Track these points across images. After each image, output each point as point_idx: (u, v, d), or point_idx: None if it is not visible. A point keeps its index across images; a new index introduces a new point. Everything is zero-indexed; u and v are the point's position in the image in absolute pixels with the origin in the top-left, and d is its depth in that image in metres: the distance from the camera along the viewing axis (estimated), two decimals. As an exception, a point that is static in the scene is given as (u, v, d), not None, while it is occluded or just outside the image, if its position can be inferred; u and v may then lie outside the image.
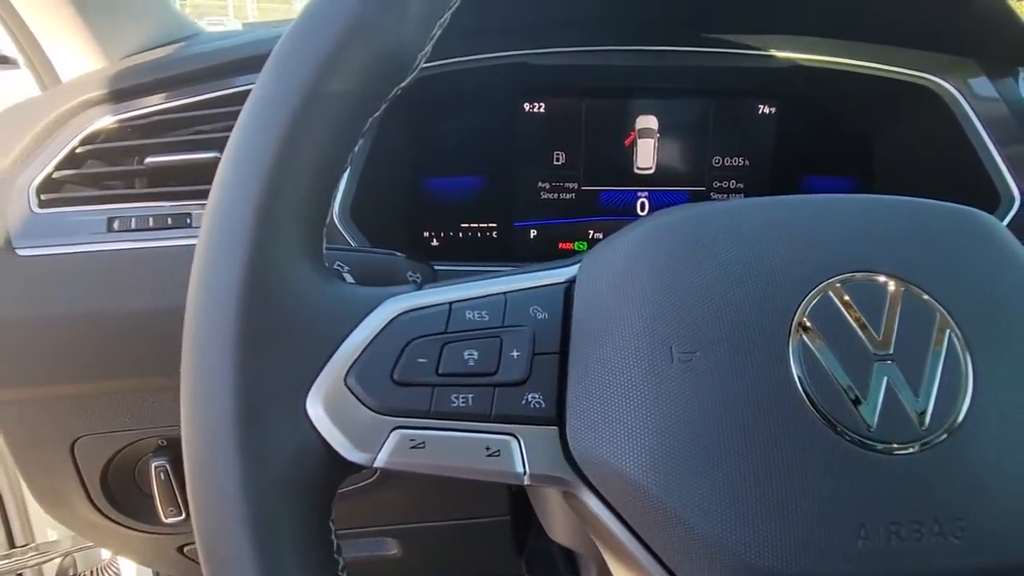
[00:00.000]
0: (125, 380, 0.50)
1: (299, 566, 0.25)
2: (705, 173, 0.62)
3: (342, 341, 0.27)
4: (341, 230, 0.49)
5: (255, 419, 0.24)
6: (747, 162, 0.62)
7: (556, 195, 0.63)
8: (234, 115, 0.51)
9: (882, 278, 0.26)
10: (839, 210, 0.28)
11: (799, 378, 0.24)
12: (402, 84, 0.30)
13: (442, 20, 0.30)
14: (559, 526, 0.45)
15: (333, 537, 0.27)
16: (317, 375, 0.26)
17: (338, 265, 0.36)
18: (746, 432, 0.24)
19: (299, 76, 0.26)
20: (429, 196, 0.63)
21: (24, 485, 0.91)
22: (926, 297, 0.26)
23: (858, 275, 0.26)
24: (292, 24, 0.27)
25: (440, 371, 0.27)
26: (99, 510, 0.55)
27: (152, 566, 0.68)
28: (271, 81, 0.27)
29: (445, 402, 0.26)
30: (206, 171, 0.49)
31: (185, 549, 0.63)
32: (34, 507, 0.94)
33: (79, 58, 0.57)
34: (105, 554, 1.02)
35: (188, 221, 0.49)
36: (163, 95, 0.52)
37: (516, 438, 0.26)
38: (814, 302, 0.25)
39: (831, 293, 0.26)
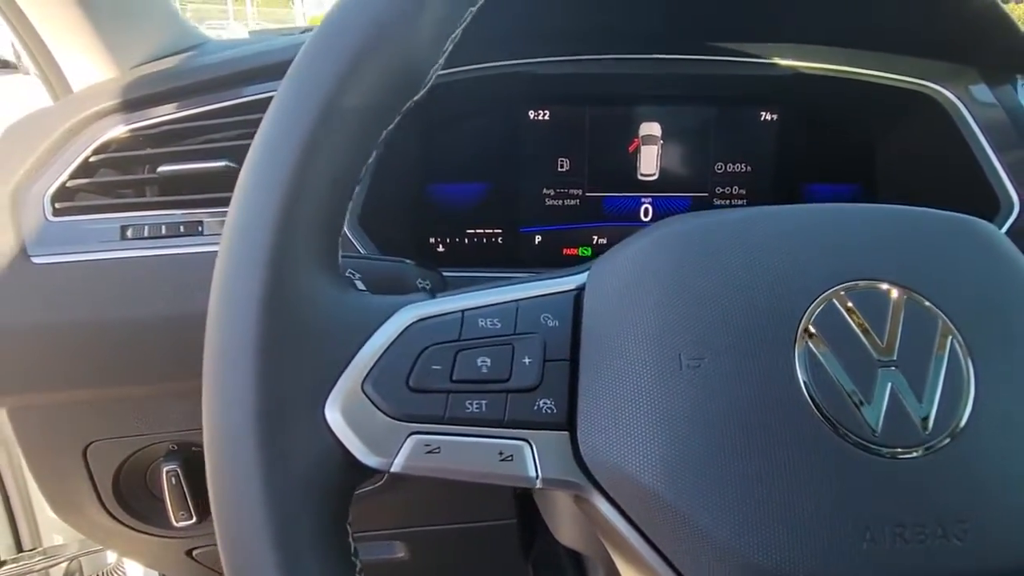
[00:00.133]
0: (138, 386, 0.50)
1: (319, 568, 0.25)
2: (708, 179, 0.63)
3: (359, 349, 0.27)
4: (351, 238, 0.50)
5: (276, 424, 0.25)
6: (749, 168, 0.63)
7: (561, 201, 0.63)
8: (244, 124, 0.52)
9: (885, 286, 0.27)
10: (842, 219, 0.29)
11: (805, 384, 0.25)
12: (416, 97, 0.30)
13: (454, 35, 0.31)
14: (566, 529, 0.45)
15: (350, 540, 0.28)
16: (335, 382, 0.27)
17: (349, 273, 0.36)
18: (753, 436, 0.25)
19: (318, 91, 0.27)
20: (435, 203, 0.63)
21: (31, 490, 0.92)
22: (928, 304, 0.26)
23: (861, 283, 0.27)
24: (310, 39, 0.28)
25: (454, 378, 0.27)
26: (110, 514, 0.56)
27: (161, 569, 0.68)
28: (290, 95, 0.28)
29: (459, 408, 0.27)
30: (217, 180, 0.50)
31: (194, 553, 0.63)
32: (41, 511, 0.94)
33: (90, 67, 0.57)
34: (111, 558, 1.03)
35: (200, 229, 0.49)
36: (174, 105, 0.53)
37: (528, 443, 0.27)
38: (819, 309, 0.26)
39: (835, 301, 0.26)
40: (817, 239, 0.28)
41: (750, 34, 0.58)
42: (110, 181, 0.51)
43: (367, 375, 0.27)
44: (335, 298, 0.28)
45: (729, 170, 0.63)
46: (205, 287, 0.48)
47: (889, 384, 0.25)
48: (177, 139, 0.52)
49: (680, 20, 0.58)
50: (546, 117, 0.62)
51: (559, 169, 0.63)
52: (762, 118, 0.62)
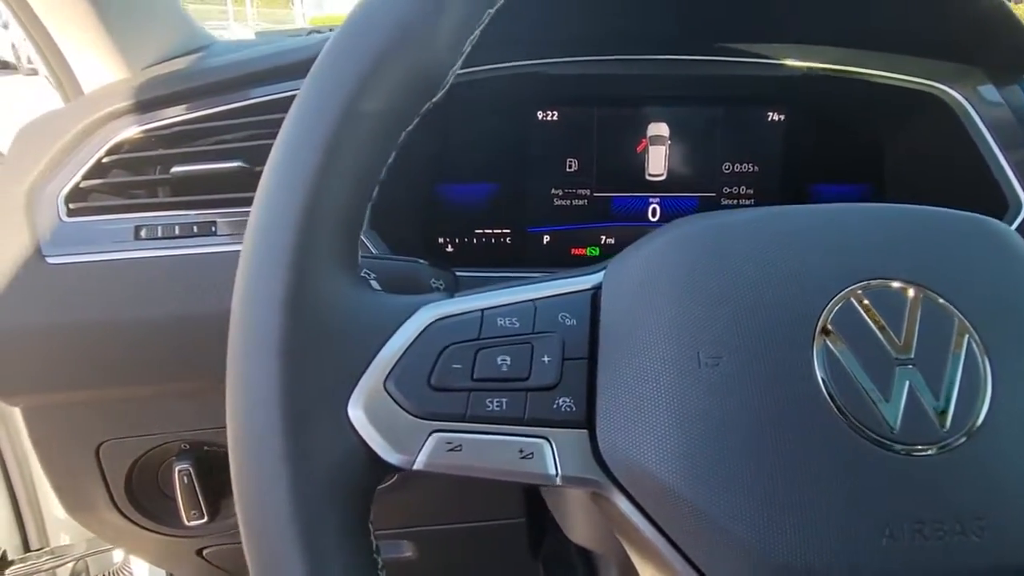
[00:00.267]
0: (151, 385, 0.51)
1: (343, 565, 0.26)
2: (716, 179, 0.63)
3: (380, 348, 0.28)
4: (364, 238, 0.50)
5: (301, 423, 0.25)
6: (757, 169, 0.63)
7: (569, 201, 0.64)
8: (257, 125, 0.53)
9: (901, 284, 0.27)
10: (856, 218, 0.29)
11: (823, 381, 0.25)
12: (434, 99, 0.31)
13: (472, 37, 0.31)
14: (579, 527, 0.45)
15: (372, 538, 0.28)
16: (358, 381, 0.27)
17: (365, 273, 0.37)
18: (773, 433, 0.25)
19: (340, 93, 0.27)
20: (444, 203, 0.64)
21: (39, 489, 0.92)
22: (944, 303, 0.27)
23: (877, 282, 0.27)
24: (331, 41, 0.28)
25: (475, 376, 0.28)
26: (122, 513, 0.56)
27: (171, 569, 0.68)
28: (313, 96, 0.28)
29: (480, 406, 0.27)
30: (231, 180, 0.50)
31: (204, 552, 0.63)
32: (48, 511, 0.95)
33: (101, 69, 0.58)
34: (117, 557, 1.03)
35: (213, 229, 0.50)
36: (187, 105, 0.53)
37: (548, 441, 0.27)
38: (836, 308, 0.26)
39: (852, 299, 0.27)
40: (832, 238, 0.28)
41: (758, 35, 0.59)
42: (123, 182, 0.51)
43: (389, 374, 0.27)
44: (356, 298, 0.28)
45: (737, 170, 0.63)
46: (219, 287, 0.49)
47: (907, 382, 0.25)
48: (190, 140, 0.53)
49: (689, 21, 0.59)
50: (555, 118, 0.62)
51: (567, 169, 0.63)
52: (769, 118, 0.62)
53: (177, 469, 0.53)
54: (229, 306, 0.50)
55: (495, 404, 0.27)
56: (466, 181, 0.64)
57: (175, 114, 0.53)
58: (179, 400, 0.52)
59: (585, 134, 0.62)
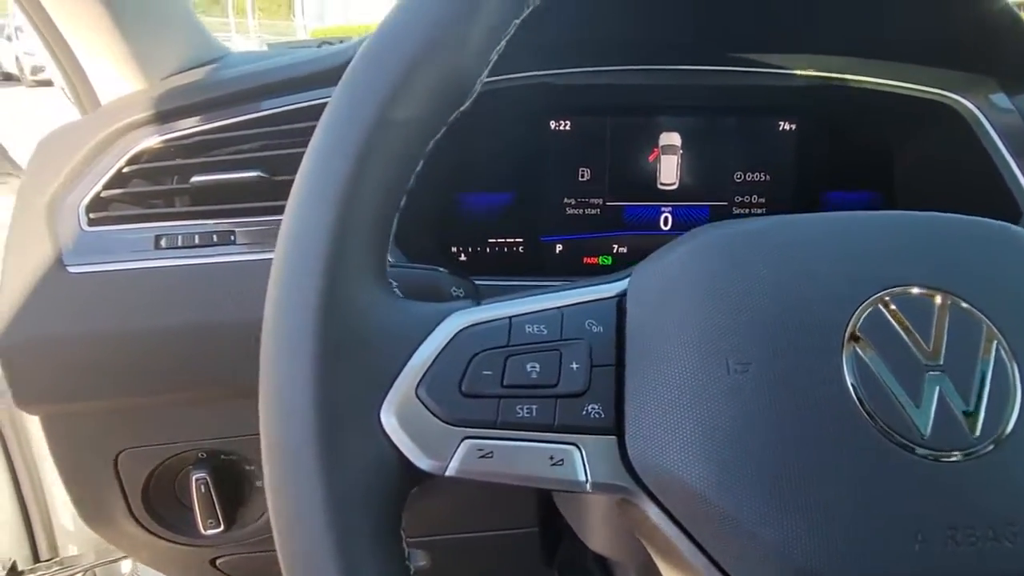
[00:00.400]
0: (172, 393, 0.51)
1: (376, 571, 0.26)
2: (727, 188, 0.64)
3: (411, 355, 0.28)
4: None
5: (335, 430, 0.26)
6: (768, 178, 0.63)
7: (581, 210, 0.64)
8: (276, 135, 0.53)
9: (928, 291, 0.27)
10: (881, 225, 0.30)
11: (853, 387, 0.25)
12: (462, 107, 0.31)
13: (499, 47, 0.31)
14: (598, 535, 0.45)
15: (404, 545, 0.28)
16: (390, 387, 0.27)
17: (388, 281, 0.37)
18: (803, 440, 0.25)
19: (370, 103, 0.28)
20: (458, 212, 0.64)
21: (49, 499, 0.92)
22: (972, 309, 0.27)
23: (905, 288, 0.27)
24: (362, 50, 0.29)
25: (505, 383, 0.28)
26: (139, 522, 0.56)
27: (184, 578, 0.68)
28: (342, 109, 0.28)
29: (511, 413, 0.27)
30: (249, 190, 0.51)
31: (218, 562, 0.63)
32: (57, 522, 0.94)
33: (118, 79, 0.58)
34: (126, 567, 1.03)
35: (232, 238, 0.50)
36: (205, 116, 0.54)
37: (578, 447, 0.28)
38: (865, 314, 0.27)
39: (880, 306, 0.27)
40: (858, 245, 0.29)
41: (769, 45, 0.59)
42: (143, 191, 0.52)
43: (420, 381, 0.27)
44: (386, 305, 0.29)
45: (748, 179, 0.63)
46: (238, 296, 0.49)
47: (937, 388, 0.25)
48: (208, 150, 0.53)
49: (701, 32, 0.59)
50: (567, 127, 0.63)
51: (580, 179, 0.64)
52: (781, 128, 0.62)
53: (194, 478, 0.53)
54: (249, 315, 0.50)
55: (525, 411, 0.28)
56: (479, 190, 0.64)
57: (193, 124, 0.53)
58: (198, 409, 0.52)
59: (598, 144, 0.63)
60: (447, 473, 0.27)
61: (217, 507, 0.54)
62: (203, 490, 0.53)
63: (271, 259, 0.50)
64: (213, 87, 0.55)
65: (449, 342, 0.28)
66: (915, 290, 0.27)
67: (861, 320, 0.26)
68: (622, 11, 0.56)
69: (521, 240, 0.65)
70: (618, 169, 0.63)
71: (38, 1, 0.52)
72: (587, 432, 0.28)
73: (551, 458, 0.27)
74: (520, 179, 0.63)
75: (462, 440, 0.27)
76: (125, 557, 0.95)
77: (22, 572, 0.86)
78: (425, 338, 0.28)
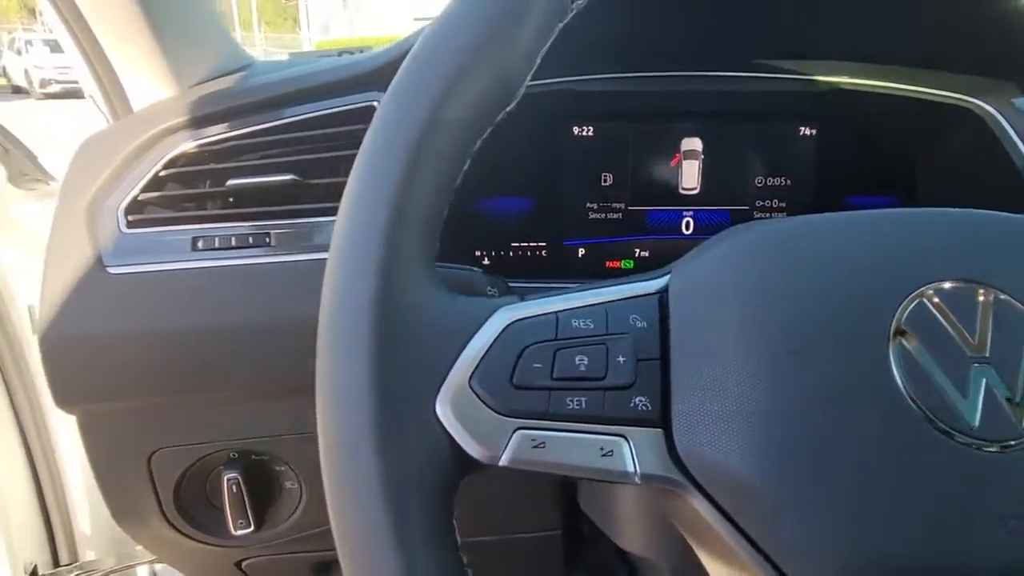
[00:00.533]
0: (207, 393, 0.52)
1: (433, 560, 0.26)
2: (748, 193, 0.64)
3: (463, 348, 0.28)
4: None
5: (392, 421, 0.26)
6: (789, 182, 0.64)
7: (604, 215, 0.65)
8: (304, 140, 0.54)
9: (971, 285, 0.28)
10: (921, 221, 0.30)
11: (900, 380, 0.26)
12: (508, 108, 0.32)
13: (543, 49, 0.32)
14: (630, 533, 0.46)
15: (457, 535, 0.28)
16: (444, 379, 0.28)
17: None
18: (852, 431, 0.26)
19: (422, 105, 0.28)
20: (481, 216, 0.65)
21: (70, 504, 0.92)
22: (1013, 301, 0.27)
23: (948, 283, 0.28)
24: (414, 51, 0.30)
25: (554, 375, 0.28)
26: (169, 522, 0.57)
27: (207, 581, 0.69)
28: (394, 110, 0.29)
29: (561, 404, 0.28)
30: (284, 193, 0.52)
31: (243, 564, 0.64)
32: (77, 527, 0.95)
33: (152, 87, 0.59)
34: (142, 573, 1.03)
35: (267, 240, 0.51)
36: (237, 122, 0.55)
37: (626, 439, 0.28)
38: (910, 307, 0.27)
39: (924, 300, 0.27)
40: (900, 240, 0.29)
41: (790, 51, 0.60)
42: (179, 194, 0.53)
43: (473, 372, 0.28)
44: (437, 300, 0.29)
45: (769, 184, 0.64)
46: (273, 297, 0.50)
47: (983, 380, 0.26)
48: (241, 154, 0.54)
49: (721, 38, 0.60)
50: (590, 133, 0.63)
51: (603, 183, 0.64)
52: (802, 133, 0.63)
53: (226, 478, 0.54)
54: (283, 315, 0.51)
55: (575, 403, 0.28)
56: (503, 195, 0.65)
57: (226, 130, 0.54)
58: (230, 409, 0.53)
59: (620, 149, 0.64)
60: (500, 463, 0.28)
61: (248, 507, 0.54)
62: (234, 490, 0.54)
63: (305, 260, 0.51)
64: (244, 94, 0.57)
65: (499, 336, 0.29)
66: (958, 284, 0.28)
67: (906, 313, 0.27)
68: (646, 17, 0.57)
69: (544, 244, 0.66)
70: (640, 174, 0.64)
71: (78, 12, 0.53)
72: (635, 424, 0.28)
73: (601, 449, 0.28)
74: (543, 184, 0.64)
75: (515, 431, 0.28)
76: (143, 563, 0.96)
77: (43, 576, 0.87)
78: (476, 332, 0.29)
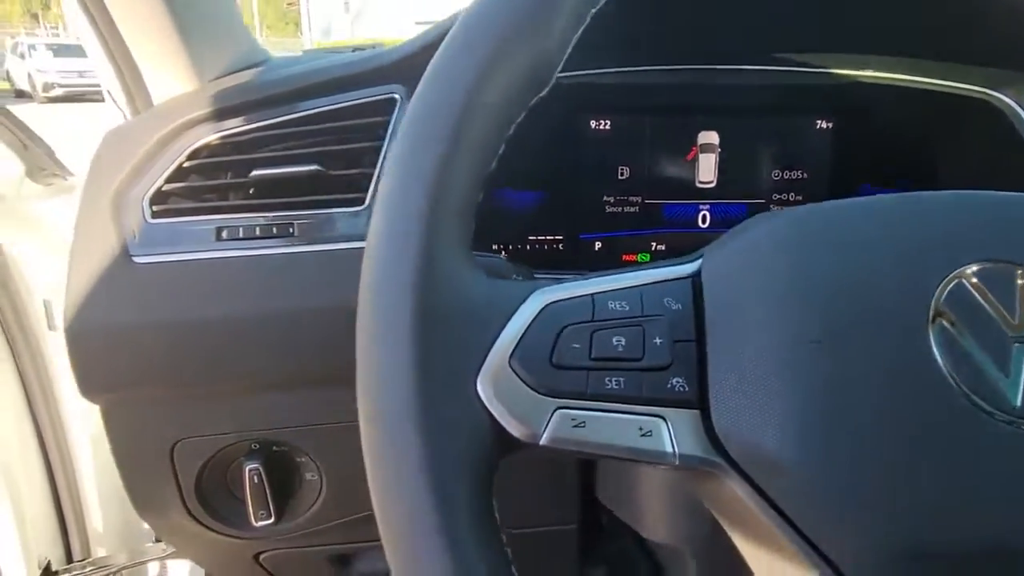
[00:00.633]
0: (230, 383, 0.52)
1: (475, 539, 0.26)
2: (765, 186, 0.65)
3: (502, 328, 0.29)
4: None
5: (435, 400, 0.26)
6: (806, 175, 0.64)
7: (620, 208, 0.65)
8: (325, 132, 0.54)
9: (1010, 266, 0.28)
10: (954, 203, 0.30)
11: (941, 360, 0.26)
12: (542, 93, 0.32)
13: (576, 35, 0.32)
14: (653, 519, 0.46)
15: (497, 514, 0.29)
16: (484, 358, 0.28)
17: None
18: (893, 412, 0.26)
19: (460, 89, 0.29)
20: (499, 209, 0.65)
21: (83, 501, 0.93)
22: None
23: (988, 264, 0.28)
24: (450, 36, 0.30)
25: (592, 356, 0.29)
26: (190, 512, 0.57)
27: (225, 574, 0.69)
28: (432, 94, 0.29)
29: (600, 385, 0.28)
30: (307, 183, 0.52)
31: (261, 557, 0.64)
32: (89, 522, 0.95)
33: (173, 82, 0.60)
34: (152, 571, 1.04)
35: (291, 230, 0.51)
36: (257, 114, 0.55)
37: (664, 420, 0.28)
38: (949, 288, 0.27)
39: (963, 280, 0.27)
40: (935, 222, 0.29)
41: (807, 44, 0.60)
42: (203, 185, 0.53)
43: (513, 352, 0.28)
44: (476, 282, 0.30)
45: (786, 177, 0.64)
46: (297, 286, 0.50)
47: None
48: (263, 146, 0.54)
49: (739, 32, 0.60)
50: (607, 127, 0.64)
51: (619, 177, 0.64)
52: (818, 126, 0.63)
53: (247, 468, 0.54)
54: (307, 304, 0.51)
55: (614, 383, 0.28)
56: (520, 188, 0.65)
57: (247, 122, 0.55)
58: (252, 399, 0.53)
59: (637, 143, 0.64)
60: (542, 442, 0.28)
61: (269, 498, 0.55)
62: (256, 481, 0.54)
63: (329, 250, 0.51)
64: (264, 87, 0.57)
65: (537, 316, 0.29)
66: (996, 264, 0.28)
67: (945, 294, 0.27)
68: (664, 11, 0.57)
69: (560, 237, 0.66)
70: (657, 168, 0.64)
71: (106, 12, 0.53)
72: (672, 405, 0.28)
73: (640, 429, 0.28)
74: (560, 177, 0.64)
75: (555, 410, 0.28)
76: (155, 559, 0.96)
77: (56, 572, 0.87)
78: (514, 312, 0.29)
